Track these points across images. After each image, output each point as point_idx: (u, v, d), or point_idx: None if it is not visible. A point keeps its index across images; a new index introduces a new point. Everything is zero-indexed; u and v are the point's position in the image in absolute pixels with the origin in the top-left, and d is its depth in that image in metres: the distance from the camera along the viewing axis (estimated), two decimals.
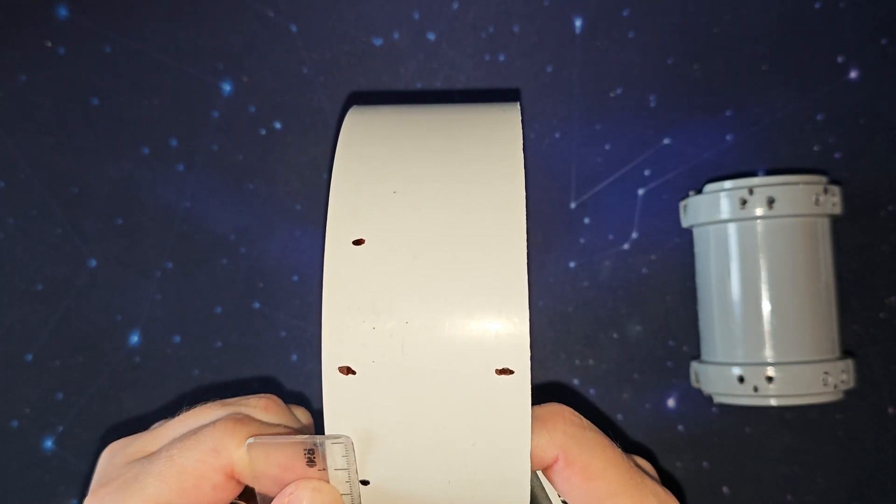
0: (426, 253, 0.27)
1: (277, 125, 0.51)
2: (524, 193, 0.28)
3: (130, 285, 0.51)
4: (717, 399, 0.47)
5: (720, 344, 0.46)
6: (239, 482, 0.30)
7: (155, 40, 0.52)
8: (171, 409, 0.35)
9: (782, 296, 0.44)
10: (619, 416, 0.50)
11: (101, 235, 0.51)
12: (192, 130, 0.51)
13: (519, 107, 0.31)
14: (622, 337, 0.50)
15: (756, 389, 0.44)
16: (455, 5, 0.51)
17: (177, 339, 0.51)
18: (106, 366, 0.51)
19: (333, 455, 0.28)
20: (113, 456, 0.32)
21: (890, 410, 0.49)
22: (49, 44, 0.52)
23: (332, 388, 0.27)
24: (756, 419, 0.49)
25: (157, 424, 0.33)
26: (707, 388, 0.47)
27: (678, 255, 0.50)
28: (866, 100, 0.49)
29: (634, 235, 0.50)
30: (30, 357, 0.51)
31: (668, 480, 0.49)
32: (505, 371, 0.27)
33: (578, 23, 0.51)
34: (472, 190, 0.28)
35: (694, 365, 0.48)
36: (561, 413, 0.30)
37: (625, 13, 0.50)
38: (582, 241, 0.50)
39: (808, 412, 0.49)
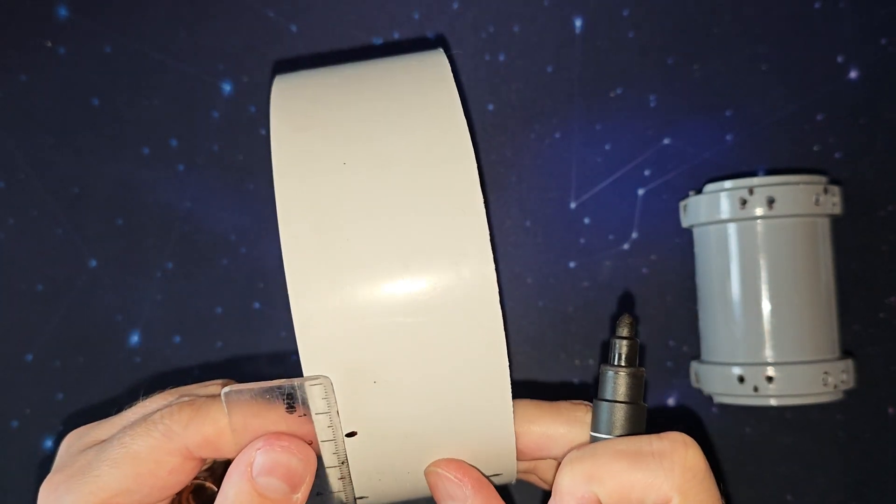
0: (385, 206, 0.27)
1: None
2: (469, 140, 0.28)
3: (130, 285, 0.51)
4: (717, 399, 0.47)
5: (720, 344, 0.46)
6: (199, 460, 0.29)
7: (155, 40, 0.52)
8: None
9: (782, 296, 0.44)
10: None
11: (101, 235, 0.51)
12: (192, 130, 0.51)
13: (443, 52, 0.31)
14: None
15: (756, 389, 0.44)
16: (455, 5, 0.51)
17: (177, 339, 0.51)
18: (106, 366, 0.51)
19: (313, 398, 0.27)
20: (70, 445, 0.31)
21: (890, 410, 0.49)
22: (49, 44, 0.52)
23: (304, 327, 0.27)
24: (756, 419, 0.49)
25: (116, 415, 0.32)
26: (707, 388, 0.47)
27: (678, 255, 0.50)
28: (866, 100, 0.49)
29: (634, 235, 0.50)
30: (30, 357, 0.51)
31: None
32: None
33: (578, 23, 0.51)
34: (417, 141, 0.28)
35: (694, 365, 0.48)
36: (682, 450, 0.28)
37: (625, 13, 0.50)
38: (582, 241, 0.50)
39: (808, 412, 0.49)
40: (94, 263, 0.51)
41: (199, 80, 0.51)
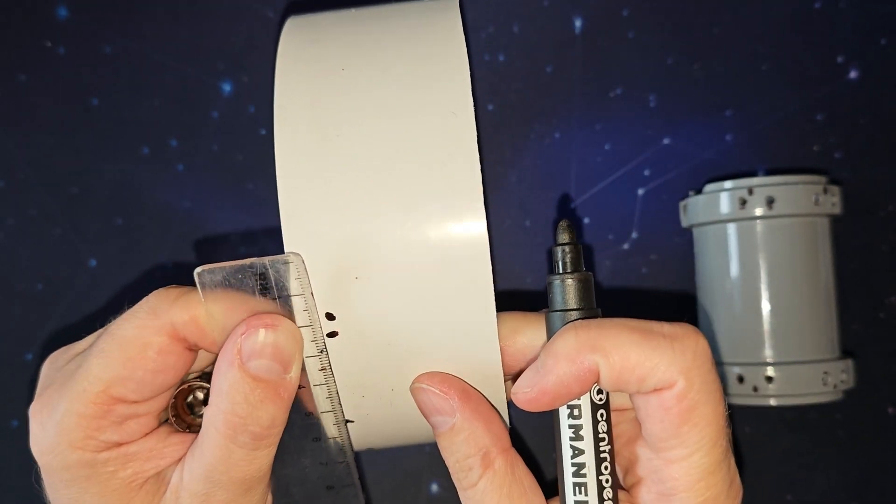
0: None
1: None
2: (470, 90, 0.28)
3: (130, 285, 0.51)
4: None
5: (720, 344, 0.46)
6: (188, 346, 0.29)
7: (155, 40, 0.52)
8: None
9: (782, 296, 0.44)
10: None
11: (101, 235, 0.51)
12: (192, 130, 0.51)
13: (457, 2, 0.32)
14: None
15: (756, 389, 0.44)
16: None
17: None
18: None
19: (287, 279, 0.27)
20: (54, 361, 0.31)
21: (890, 410, 0.49)
22: (49, 44, 0.52)
23: (290, 217, 0.27)
24: (756, 419, 0.49)
25: None
26: None
27: (678, 255, 0.50)
28: (866, 100, 0.49)
29: (634, 235, 0.50)
30: (30, 357, 0.51)
31: None
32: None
33: (578, 23, 0.51)
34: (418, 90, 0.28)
35: None
36: (694, 337, 0.27)
37: (625, 13, 0.50)
38: (582, 241, 0.50)
39: (807, 412, 0.49)
40: (93, 263, 0.51)
41: (199, 80, 0.51)
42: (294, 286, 0.27)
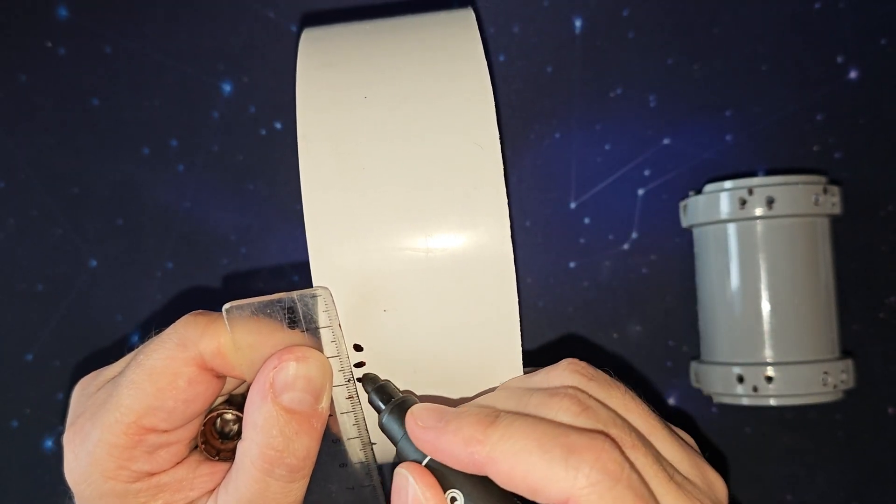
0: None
1: (277, 125, 0.51)
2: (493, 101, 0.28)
3: (130, 285, 0.51)
4: (717, 399, 0.47)
5: (720, 344, 0.46)
6: (216, 374, 0.29)
7: (155, 40, 0.52)
8: None
9: (782, 296, 0.44)
10: None
11: (101, 235, 0.51)
12: (192, 131, 0.51)
13: (472, 11, 0.31)
14: (622, 337, 0.50)
15: (756, 389, 0.44)
16: (455, 5, 0.51)
17: None
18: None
19: (315, 312, 0.27)
20: (84, 388, 0.31)
21: (889, 410, 0.49)
22: (49, 44, 0.52)
23: (318, 252, 0.27)
24: (756, 419, 0.49)
25: None
26: (707, 388, 0.47)
27: (678, 255, 0.50)
28: (866, 100, 0.49)
29: (634, 235, 0.50)
30: (30, 357, 0.51)
31: None
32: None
33: (578, 23, 0.51)
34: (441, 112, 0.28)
35: (694, 365, 0.48)
36: (596, 453, 0.24)
37: (625, 13, 0.50)
38: (582, 241, 0.50)
39: (807, 412, 0.49)
40: (94, 263, 0.51)
41: (199, 80, 0.51)
42: (322, 318, 0.27)
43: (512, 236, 0.27)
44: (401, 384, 0.28)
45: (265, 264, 0.51)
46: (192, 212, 0.51)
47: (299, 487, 0.28)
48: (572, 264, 0.50)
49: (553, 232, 0.50)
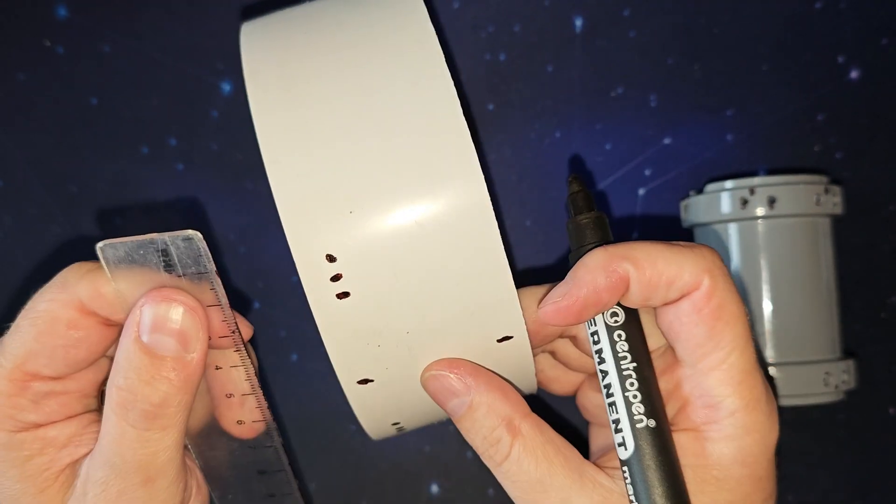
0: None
1: None
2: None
3: None
4: None
5: None
6: (103, 322, 0.28)
7: (154, 40, 0.52)
8: None
9: (783, 296, 0.44)
10: None
11: (100, 235, 0.51)
12: (191, 130, 0.51)
13: None
14: None
15: None
16: (455, 5, 0.51)
17: None
18: None
19: (189, 256, 0.26)
20: None
21: (891, 411, 0.49)
22: (48, 43, 0.51)
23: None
24: None
25: None
26: None
27: None
28: (867, 100, 0.49)
29: (635, 235, 0.50)
30: None
31: None
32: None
33: (578, 23, 0.51)
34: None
35: None
36: (710, 248, 0.29)
37: (625, 13, 0.50)
38: None
39: (808, 412, 0.49)
40: None
41: (199, 80, 0.51)
42: (198, 264, 0.26)
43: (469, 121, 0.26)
44: (381, 289, 0.27)
45: (265, 264, 0.51)
46: (192, 211, 0.51)
47: (158, 439, 0.27)
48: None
49: (553, 232, 0.50)
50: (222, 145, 0.51)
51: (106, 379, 0.30)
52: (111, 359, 0.30)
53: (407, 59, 0.27)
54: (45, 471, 0.28)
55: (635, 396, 0.28)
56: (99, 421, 0.29)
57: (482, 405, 0.28)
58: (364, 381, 0.28)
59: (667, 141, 0.50)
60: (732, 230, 0.45)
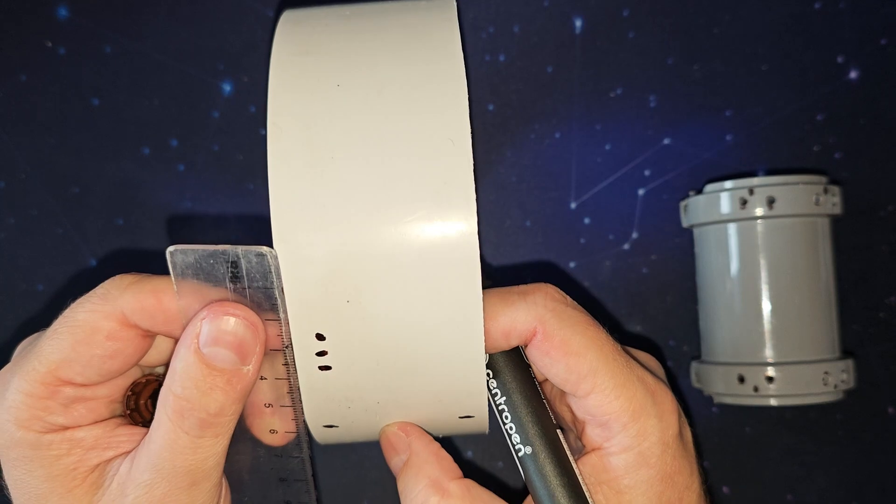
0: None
1: None
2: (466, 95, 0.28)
3: None
4: (718, 399, 0.47)
5: (720, 344, 0.46)
6: (142, 333, 0.29)
7: (155, 40, 0.52)
8: None
9: (782, 296, 0.44)
10: None
11: (101, 235, 0.51)
12: (192, 130, 0.51)
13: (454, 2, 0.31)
14: (622, 337, 0.50)
15: (756, 389, 0.44)
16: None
17: None
18: None
19: (258, 270, 0.26)
20: (21, 346, 0.31)
21: (890, 410, 0.49)
22: (49, 44, 0.52)
23: (282, 241, 0.26)
24: (756, 419, 0.49)
25: None
26: (707, 388, 0.47)
27: (678, 255, 0.50)
28: (866, 100, 0.49)
29: (634, 235, 0.50)
30: None
31: None
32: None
33: (578, 23, 0.51)
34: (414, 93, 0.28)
35: (694, 365, 0.48)
36: (544, 289, 0.30)
37: (625, 13, 0.50)
38: (582, 241, 0.50)
39: (808, 412, 0.49)
40: (93, 263, 0.51)
41: (199, 80, 0.51)
42: (265, 279, 0.27)
43: (479, 234, 0.27)
44: (363, 374, 0.28)
45: None
46: (193, 212, 0.51)
47: (210, 445, 0.28)
48: (572, 264, 0.50)
49: (553, 232, 0.50)
50: (223, 146, 0.51)
51: (131, 384, 0.31)
52: (141, 367, 0.31)
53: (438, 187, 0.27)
54: (72, 471, 0.29)
55: (511, 428, 0.31)
56: (124, 425, 0.30)
57: (414, 465, 0.30)
58: (329, 427, 0.30)
59: (666, 141, 0.50)
60: (732, 230, 0.45)
